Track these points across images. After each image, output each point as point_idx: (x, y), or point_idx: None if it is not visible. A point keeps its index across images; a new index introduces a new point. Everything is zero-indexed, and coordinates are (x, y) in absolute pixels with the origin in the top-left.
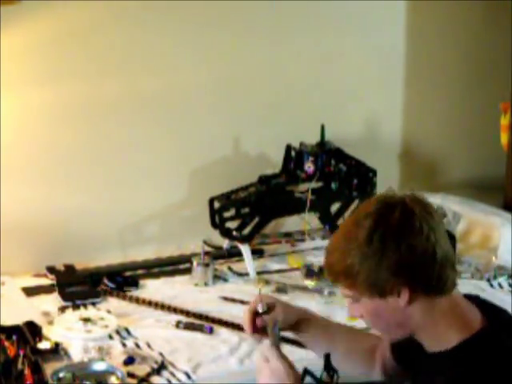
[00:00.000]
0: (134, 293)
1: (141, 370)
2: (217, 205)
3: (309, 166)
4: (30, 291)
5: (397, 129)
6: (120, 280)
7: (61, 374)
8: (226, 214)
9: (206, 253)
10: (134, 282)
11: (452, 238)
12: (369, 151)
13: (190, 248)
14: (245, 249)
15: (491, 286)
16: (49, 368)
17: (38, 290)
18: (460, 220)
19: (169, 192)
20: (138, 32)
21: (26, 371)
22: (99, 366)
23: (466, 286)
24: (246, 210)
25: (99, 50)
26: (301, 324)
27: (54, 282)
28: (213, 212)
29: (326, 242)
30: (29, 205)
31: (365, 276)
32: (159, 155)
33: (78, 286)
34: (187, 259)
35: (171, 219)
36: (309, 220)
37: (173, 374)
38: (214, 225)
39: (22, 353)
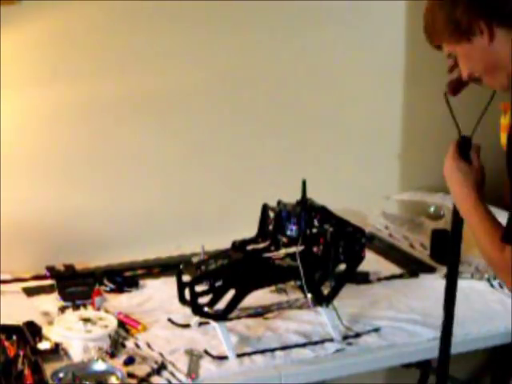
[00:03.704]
0: (135, 293)
1: (141, 370)
2: (186, 278)
3: (291, 229)
4: (30, 291)
5: (397, 129)
6: (120, 280)
7: (61, 374)
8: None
9: (206, 253)
10: (134, 282)
11: None
12: (369, 151)
13: (189, 248)
14: (220, 328)
15: (491, 286)
16: (49, 368)
17: (37, 289)
18: None
19: (169, 192)
20: (137, 32)
21: (26, 371)
22: (99, 366)
23: (465, 285)
24: (220, 282)
25: (99, 50)
26: None
27: (54, 282)
28: (181, 286)
29: (306, 313)
30: (29, 205)
31: (447, 22)
32: (159, 155)
33: (78, 286)
34: (187, 259)
35: (171, 219)
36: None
37: (173, 374)
38: (182, 300)
39: (21, 353)
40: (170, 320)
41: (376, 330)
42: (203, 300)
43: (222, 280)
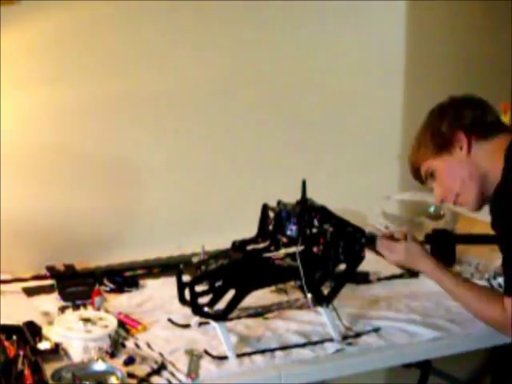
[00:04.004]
0: (135, 293)
1: (141, 369)
2: (186, 278)
3: (291, 229)
4: (30, 291)
5: (397, 129)
6: (120, 280)
7: (61, 374)
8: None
9: (206, 253)
10: (134, 282)
11: (452, 238)
12: (369, 151)
13: (190, 248)
14: (220, 328)
15: (491, 286)
16: (49, 368)
17: (38, 289)
18: (458, 219)
19: (169, 192)
20: (139, 31)
21: (26, 371)
22: (99, 366)
23: None
24: (220, 282)
25: (99, 50)
26: None
27: (54, 282)
28: (181, 286)
29: (306, 313)
30: (29, 205)
31: (431, 137)
32: (159, 155)
33: (78, 286)
34: (187, 259)
35: (171, 219)
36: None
37: (173, 374)
38: (182, 300)
39: (22, 353)
40: (169, 320)
41: (376, 330)
42: (204, 300)
43: (221, 280)
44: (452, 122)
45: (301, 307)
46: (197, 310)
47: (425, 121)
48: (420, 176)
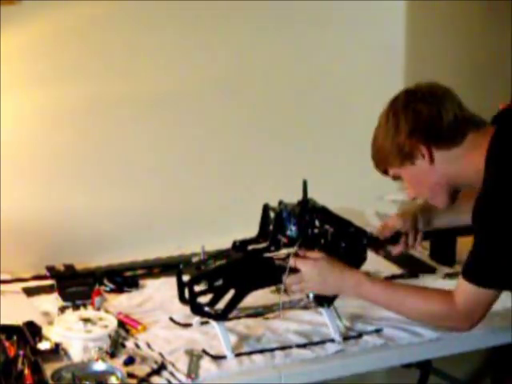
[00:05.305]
0: (135, 293)
1: (141, 369)
2: (186, 277)
3: (291, 229)
4: (30, 291)
5: None
6: (120, 280)
7: (61, 374)
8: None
9: (206, 253)
10: (134, 282)
11: (452, 233)
12: (368, 152)
13: (190, 248)
14: (220, 327)
15: None
16: (49, 368)
17: (38, 290)
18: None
19: (169, 192)
20: (140, 32)
21: (26, 371)
22: (99, 366)
23: None
24: (220, 282)
25: (100, 50)
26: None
27: (54, 282)
28: (181, 285)
29: (306, 313)
30: (29, 205)
31: (392, 148)
32: (159, 155)
33: (78, 286)
34: (187, 259)
35: (171, 219)
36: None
37: (173, 374)
38: (182, 299)
39: (21, 353)
40: (171, 319)
41: (377, 330)
42: (206, 299)
43: (221, 280)
44: (409, 131)
45: (302, 308)
46: (195, 309)
47: (382, 121)
48: (388, 175)
